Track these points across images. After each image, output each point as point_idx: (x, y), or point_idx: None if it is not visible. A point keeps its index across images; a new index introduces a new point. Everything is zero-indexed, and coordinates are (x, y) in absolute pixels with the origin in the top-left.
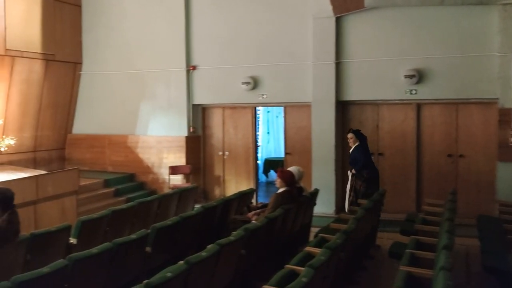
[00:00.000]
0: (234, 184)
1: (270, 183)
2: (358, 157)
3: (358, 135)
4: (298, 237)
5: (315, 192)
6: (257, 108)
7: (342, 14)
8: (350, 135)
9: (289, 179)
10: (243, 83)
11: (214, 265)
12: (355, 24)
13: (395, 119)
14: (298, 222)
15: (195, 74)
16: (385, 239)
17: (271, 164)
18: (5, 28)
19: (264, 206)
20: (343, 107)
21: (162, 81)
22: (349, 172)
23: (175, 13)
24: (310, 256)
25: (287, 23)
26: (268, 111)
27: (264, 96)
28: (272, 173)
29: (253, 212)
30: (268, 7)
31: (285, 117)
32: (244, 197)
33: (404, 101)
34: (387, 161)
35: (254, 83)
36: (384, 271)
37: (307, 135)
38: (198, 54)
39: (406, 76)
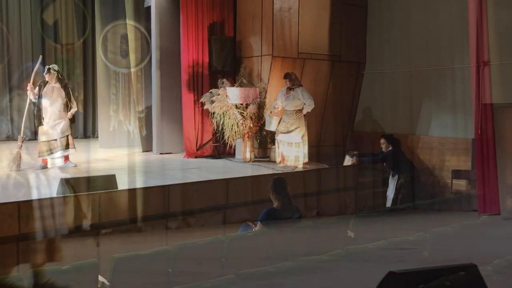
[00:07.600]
0: None
1: None
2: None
3: (390, 139)
4: None
5: None
6: None
7: None
8: (382, 141)
9: None
10: None
11: None
12: None
13: None
14: None
15: (487, 70)
16: None
17: None
18: (298, 33)
19: None
20: None
21: (446, 79)
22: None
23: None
24: None
25: None
26: None
27: None
28: None
29: None
30: None
31: None
32: None
33: None
34: None
35: None
36: None
37: None
38: (489, 47)
39: None
